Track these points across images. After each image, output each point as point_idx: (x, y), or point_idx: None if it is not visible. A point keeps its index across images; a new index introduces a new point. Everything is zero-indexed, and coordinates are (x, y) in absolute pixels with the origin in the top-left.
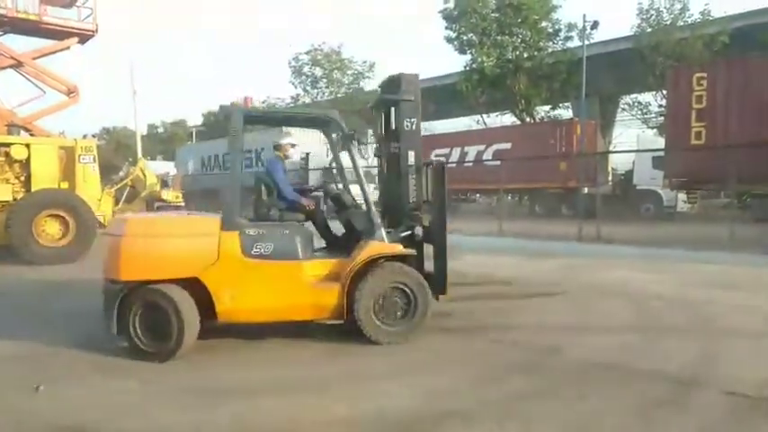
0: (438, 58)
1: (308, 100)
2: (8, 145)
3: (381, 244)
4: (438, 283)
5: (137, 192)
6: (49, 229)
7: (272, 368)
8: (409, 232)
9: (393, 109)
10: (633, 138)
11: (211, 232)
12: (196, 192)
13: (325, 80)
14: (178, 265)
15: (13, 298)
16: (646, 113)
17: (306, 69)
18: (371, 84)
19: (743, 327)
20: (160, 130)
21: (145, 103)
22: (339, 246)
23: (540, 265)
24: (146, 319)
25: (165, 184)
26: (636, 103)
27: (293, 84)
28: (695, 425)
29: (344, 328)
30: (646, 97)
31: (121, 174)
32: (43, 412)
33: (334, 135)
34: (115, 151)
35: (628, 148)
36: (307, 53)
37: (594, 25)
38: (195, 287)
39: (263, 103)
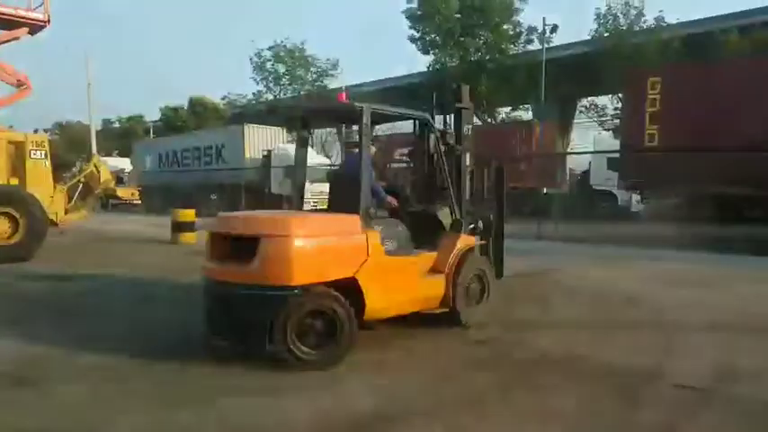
0: (402, 58)
1: (270, 97)
2: None
3: (466, 237)
4: (498, 268)
5: (91, 189)
6: None
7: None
8: (472, 225)
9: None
10: (590, 139)
11: (358, 231)
12: (154, 188)
13: (288, 77)
14: (342, 265)
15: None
16: (602, 116)
17: (268, 66)
18: (336, 82)
19: (691, 321)
20: (116, 125)
21: (100, 98)
22: (421, 240)
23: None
24: (303, 326)
25: (120, 180)
26: (593, 106)
27: (255, 80)
28: (647, 417)
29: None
30: (602, 100)
31: (75, 170)
32: None
33: (432, 135)
34: (68, 147)
35: (585, 150)
36: (269, 49)
37: (554, 29)
38: (342, 288)
39: (223, 99)
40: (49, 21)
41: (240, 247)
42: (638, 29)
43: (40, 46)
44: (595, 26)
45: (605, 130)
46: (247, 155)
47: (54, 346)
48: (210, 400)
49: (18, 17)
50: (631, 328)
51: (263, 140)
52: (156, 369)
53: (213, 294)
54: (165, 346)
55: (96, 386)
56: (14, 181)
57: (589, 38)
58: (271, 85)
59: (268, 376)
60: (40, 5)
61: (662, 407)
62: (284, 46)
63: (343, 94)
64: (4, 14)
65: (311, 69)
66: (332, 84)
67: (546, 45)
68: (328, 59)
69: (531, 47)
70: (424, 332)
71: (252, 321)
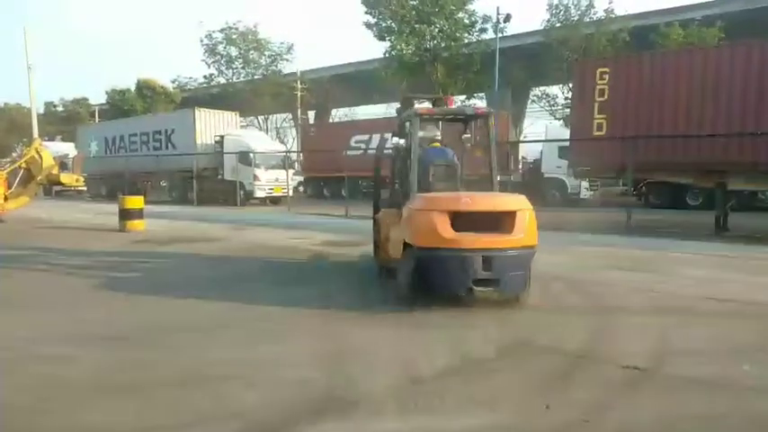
0: (363, 43)
1: (222, 80)
2: None
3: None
4: None
5: (32, 175)
6: None
7: None
8: None
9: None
10: (542, 128)
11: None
12: (100, 174)
13: (240, 60)
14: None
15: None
16: (553, 105)
17: (220, 48)
18: (290, 66)
19: (634, 305)
20: (59, 108)
21: (42, 80)
22: None
23: None
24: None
25: (64, 166)
26: (544, 95)
27: (206, 63)
28: (594, 396)
29: None
30: (554, 90)
31: (14, 155)
32: None
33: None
34: (8, 131)
35: (537, 138)
36: (221, 31)
37: (507, 18)
38: None
39: (173, 82)
40: None
41: (492, 220)
42: (588, 20)
43: None
44: (548, 17)
45: (556, 119)
46: (199, 140)
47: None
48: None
49: None
50: (578, 311)
51: (215, 125)
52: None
53: (461, 258)
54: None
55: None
56: None
57: (541, 28)
58: (223, 68)
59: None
60: None
61: (609, 386)
62: (236, 29)
63: (451, 99)
64: None
65: (265, 53)
66: (286, 68)
67: (500, 34)
68: (282, 43)
69: (485, 36)
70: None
71: (513, 273)
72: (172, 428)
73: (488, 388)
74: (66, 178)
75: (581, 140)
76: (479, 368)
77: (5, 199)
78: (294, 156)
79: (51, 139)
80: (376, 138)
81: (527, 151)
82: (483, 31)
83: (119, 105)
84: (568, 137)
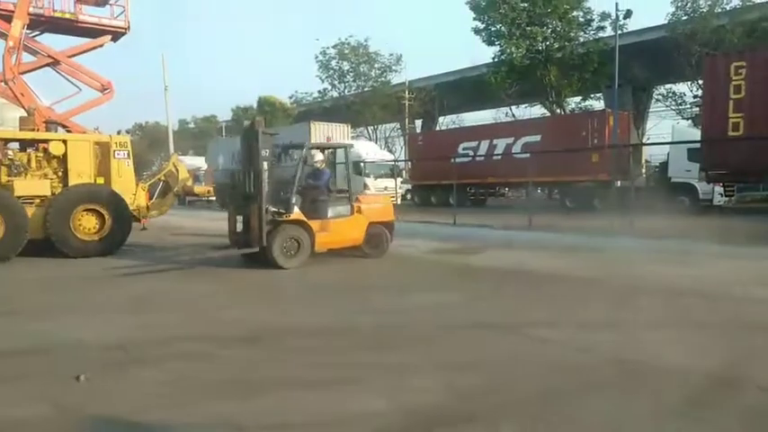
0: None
1: (335, 94)
2: (46, 141)
3: None
4: None
5: (169, 186)
6: (86, 223)
7: None
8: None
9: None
10: (667, 129)
11: None
12: (227, 185)
13: (352, 74)
14: None
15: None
16: (680, 104)
17: (333, 63)
18: (399, 77)
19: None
20: (191, 125)
21: (176, 99)
22: None
23: (570, 260)
24: None
25: (196, 178)
26: (670, 94)
27: (320, 78)
28: (735, 420)
29: None
30: (680, 87)
31: (154, 168)
32: None
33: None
34: (148, 146)
35: (662, 140)
36: (334, 47)
37: (628, 14)
38: None
39: (291, 98)
40: (129, 28)
41: None
42: (719, 10)
43: (122, 51)
44: (672, 9)
45: (684, 118)
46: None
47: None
48: None
49: (101, 26)
50: (713, 328)
51: (328, 137)
52: None
53: None
54: None
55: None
56: (100, 180)
57: (665, 22)
58: (336, 82)
59: None
60: (122, 13)
61: (754, 410)
62: (348, 44)
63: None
64: (89, 24)
65: (375, 66)
66: (395, 79)
67: (618, 31)
68: (392, 54)
69: (602, 34)
70: None
71: None
72: (302, 427)
73: (625, 413)
74: (199, 189)
75: (714, 141)
76: None
77: (147, 208)
78: (401, 164)
79: (184, 153)
80: (485, 144)
81: (651, 154)
82: (600, 28)
83: (242, 121)
84: (698, 137)
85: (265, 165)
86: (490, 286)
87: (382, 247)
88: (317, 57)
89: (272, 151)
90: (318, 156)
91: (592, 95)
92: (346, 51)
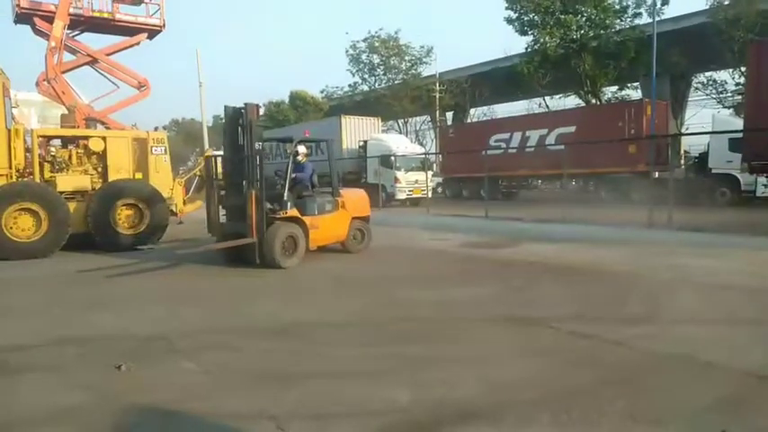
0: (497, 41)
1: (365, 88)
2: (86, 138)
3: None
4: None
5: (205, 181)
6: (125, 218)
7: None
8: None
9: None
10: (707, 118)
11: None
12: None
13: (382, 67)
14: None
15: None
16: (721, 92)
17: (363, 57)
18: (429, 69)
19: None
20: (224, 120)
21: (210, 95)
22: None
23: (606, 253)
24: None
25: None
26: (710, 82)
27: (351, 72)
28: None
29: None
30: (722, 75)
31: (190, 164)
32: None
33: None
34: (184, 142)
35: (702, 130)
36: (364, 40)
37: (665, 1)
38: None
39: (322, 92)
40: (164, 25)
41: None
42: None
43: (157, 47)
44: None
45: (725, 107)
46: (344, 146)
47: None
48: None
49: (138, 24)
50: (754, 324)
51: (359, 131)
52: None
53: None
54: None
55: None
56: (139, 175)
57: (706, 7)
58: (366, 76)
59: None
60: (157, 11)
61: None
62: (378, 36)
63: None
64: (126, 22)
65: (405, 58)
66: (425, 71)
67: (656, 18)
68: (422, 47)
69: (638, 21)
70: None
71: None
72: (335, 418)
73: (650, 403)
74: None
75: (758, 131)
76: None
77: (184, 203)
78: (432, 157)
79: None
80: (517, 135)
81: (690, 145)
82: (636, 15)
83: (274, 116)
84: (740, 127)
85: (258, 145)
86: (522, 280)
87: (364, 243)
88: (347, 50)
89: (261, 145)
90: (301, 149)
91: (628, 85)
92: (377, 44)
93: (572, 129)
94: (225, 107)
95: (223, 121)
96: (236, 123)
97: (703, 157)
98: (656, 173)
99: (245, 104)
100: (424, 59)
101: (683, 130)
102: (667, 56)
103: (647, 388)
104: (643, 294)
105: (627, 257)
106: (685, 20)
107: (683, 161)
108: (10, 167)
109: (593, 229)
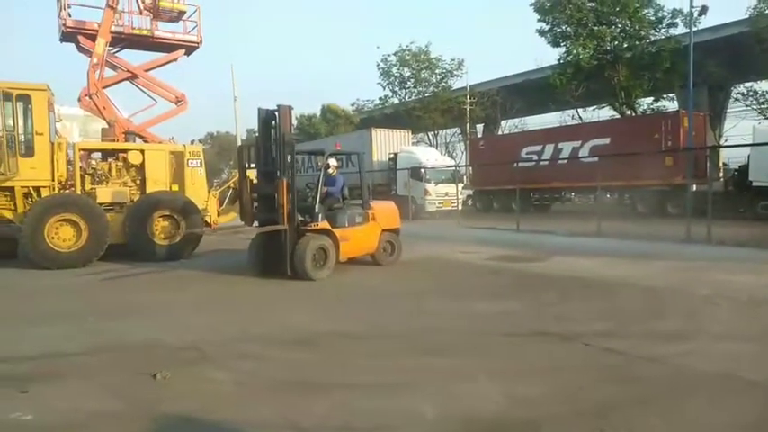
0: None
1: (396, 101)
2: (125, 151)
3: None
4: None
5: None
6: (162, 228)
7: None
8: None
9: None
10: (747, 130)
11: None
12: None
13: (413, 80)
14: None
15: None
16: (762, 103)
17: (394, 70)
18: (460, 81)
19: None
20: (258, 134)
21: (245, 110)
22: None
23: (640, 268)
24: None
25: None
26: (751, 93)
27: (381, 85)
28: None
29: None
30: (763, 85)
31: (224, 176)
32: None
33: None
34: (218, 155)
35: (742, 142)
36: (395, 54)
37: (703, 11)
38: None
39: (353, 105)
40: (201, 42)
41: None
42: None
43: (194, 62)
44: (755, 2)
45: (767, 118)
46: (375, 158)
47: None
48: None
49: (175, 41)
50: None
51: (389, 143)
52: None
53: None
54: None
55: None
56: (175, 187)
57: (746, 17)
58: (396, 89)
59: None
60: (194, 28)
61: None
62: (409, 50)
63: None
64: (164, 39)
65: (436, 71)
66: (456, 83)
67: (693, 28)
68: (453, 59)
69: (674, 31)
70: None
71: None
72: (357, 429)
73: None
74: None
75: None
76: None
77: (218, 215)
78: (462, 170)
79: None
80: (549, 147)
81: (729, 157)
82: (672, 26)
83: (306, 129)
84: None
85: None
86: (554, 294)
87: (394, 255)
88: (378, 64)
89: (293, 157)
90: (332, 162)
91: (665, 96)
92: (407, 58)
93: (606, 140)
94: (258, 109)
95: (256, 133)
96: (269, 126)
97: (743, 170)
98: (694, 186)
99: (278, 106)
100: (455, 72)
101: (721, 142)
102: (705, 66)
103: (683, 406)
104: (680, 310)
105: (663, 272)
106: (723, 29)
107: (721, 174)
108: (53, 179)
109: (628, 243)
